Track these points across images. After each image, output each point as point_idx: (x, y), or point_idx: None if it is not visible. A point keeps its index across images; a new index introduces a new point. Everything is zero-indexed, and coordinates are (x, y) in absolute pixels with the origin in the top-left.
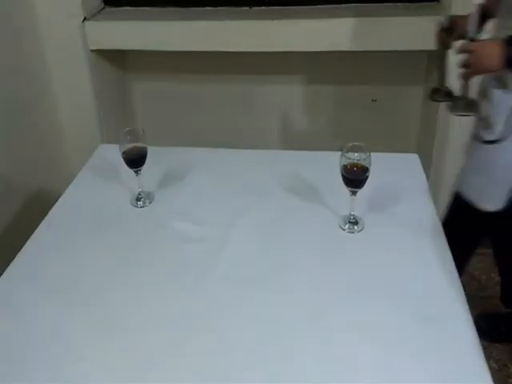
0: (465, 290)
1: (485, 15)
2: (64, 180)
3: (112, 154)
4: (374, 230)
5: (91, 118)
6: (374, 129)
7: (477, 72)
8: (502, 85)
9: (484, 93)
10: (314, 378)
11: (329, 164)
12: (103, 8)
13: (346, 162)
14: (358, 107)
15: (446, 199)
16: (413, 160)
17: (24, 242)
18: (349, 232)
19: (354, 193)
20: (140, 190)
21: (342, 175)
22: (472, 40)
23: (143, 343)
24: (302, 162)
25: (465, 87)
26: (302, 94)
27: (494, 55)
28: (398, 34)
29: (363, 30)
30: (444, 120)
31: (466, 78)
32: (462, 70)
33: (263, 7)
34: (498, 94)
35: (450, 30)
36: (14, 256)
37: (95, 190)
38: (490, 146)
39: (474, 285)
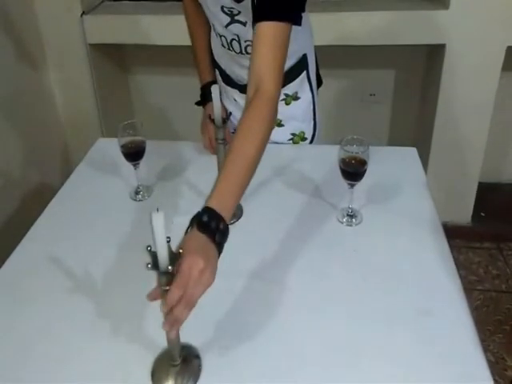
0: (462, 283)
1: None
2: (63, 173)
3: (111, 147)
4: (372, 223)
5: (90, 111)
6: (373, 123)
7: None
8: None
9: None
10: (313, 369)
11: (327, 157)
12: (102, 2)
13: (344, 155)
14: (357, 101)
15: (443, 193)
16: (411, 154)
17: (24, 235)
18: (347, 225)
19: (352, 186)
20: (139, 183)
21: (341, 168)
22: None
23: (140, 337)
24: (300, 155)
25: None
26: None
27: (208, 266)
28: (398, 29)
29: (366, 25)
30: (442, 114)
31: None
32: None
33: None
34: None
35: None
36: (14, 248)
37: (94, 184)
38: (286, 107)
39: (471, 278)
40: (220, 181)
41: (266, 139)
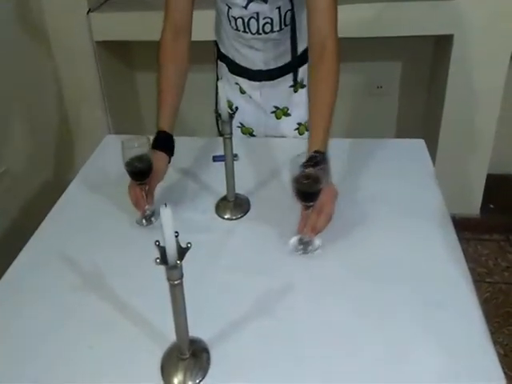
0: (471, 276)
1: None
2: (69, 170)
3: (118, 144)
4: (380, 216)
5: (97, 108)
6: (380, 115)
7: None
8: None
9: None
10: (321, 365)
11: (334, 151)
12: None
13: (297, 173)
14: (364, 94)
15: (452, 184)
16: (419, 145)
17: (31, 233)
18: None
19: (308, 208)
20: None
21: (294, 187)
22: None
23: (149, 331)
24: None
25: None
26: None
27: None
28: (405, 20)
29: (372, 16)
30: (450, 105)
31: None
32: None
33: None
34: None
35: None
36: (22, 246)
37: (102, 181)
38: (295, 94)
39: (480, 270)
40: (315, 128)
41: (337, 84)
